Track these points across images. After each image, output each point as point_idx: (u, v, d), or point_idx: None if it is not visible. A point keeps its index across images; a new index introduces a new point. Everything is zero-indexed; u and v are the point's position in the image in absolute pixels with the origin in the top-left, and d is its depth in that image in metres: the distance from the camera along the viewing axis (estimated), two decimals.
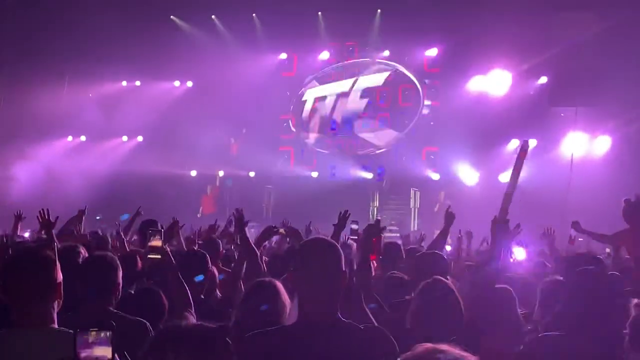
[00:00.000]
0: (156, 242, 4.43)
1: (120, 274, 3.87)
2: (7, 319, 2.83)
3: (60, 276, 2.94)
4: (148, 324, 3.65)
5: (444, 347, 1.71)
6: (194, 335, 2.25)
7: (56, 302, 2.91)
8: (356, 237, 5.67)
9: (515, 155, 4.07)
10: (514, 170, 3.98)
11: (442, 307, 3.67)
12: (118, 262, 3.95)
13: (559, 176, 16.96)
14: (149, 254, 4.39)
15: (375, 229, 4.22)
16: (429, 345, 1.72)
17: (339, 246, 3.06)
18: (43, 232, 5.95)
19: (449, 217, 6.53)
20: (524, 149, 4.19)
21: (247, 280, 4.60)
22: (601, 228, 8.31)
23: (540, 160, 17.10)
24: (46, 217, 5.91)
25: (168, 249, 4.33)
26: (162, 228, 4.97)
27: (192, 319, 4.03)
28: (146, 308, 3.98)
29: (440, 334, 2.82)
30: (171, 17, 21.13)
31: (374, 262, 4.80)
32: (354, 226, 6.08)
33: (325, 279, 2.90)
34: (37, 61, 19.38)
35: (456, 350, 1.69)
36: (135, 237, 7.64)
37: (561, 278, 4.54)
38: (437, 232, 6.83)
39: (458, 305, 3.71)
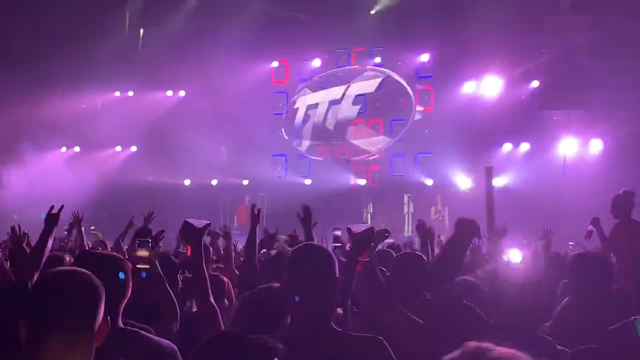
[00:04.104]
0: (143, 252, 4.45)
1: None
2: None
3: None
4: None
5: (492, 346, 1.67)
6: (244, 348, 2.14)
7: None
8: (340, 244, 5.64)
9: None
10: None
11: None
12: None
13: (552, 179, 16.99)
14: (137, 264, 4.39)
15: (380, 235, 4.07)
16: (475, 344, 1.68)
17: (331, 252, 3.00)
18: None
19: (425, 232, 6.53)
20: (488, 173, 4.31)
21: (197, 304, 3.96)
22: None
23: (533, 164, 17.18)
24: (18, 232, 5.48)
25: (155, 259, 4.31)
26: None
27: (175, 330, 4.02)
28: None
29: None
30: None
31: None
32: (337, 232, 6.06)
33: (316, 286, 2.86)
34: (30, 72, 19.34)
35: (507, 350, 1.66)
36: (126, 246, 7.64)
37: None
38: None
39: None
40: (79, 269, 2.41)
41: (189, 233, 3.65)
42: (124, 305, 3.09)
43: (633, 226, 7.84)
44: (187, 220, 3.64)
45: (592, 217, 8.14)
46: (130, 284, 3.09)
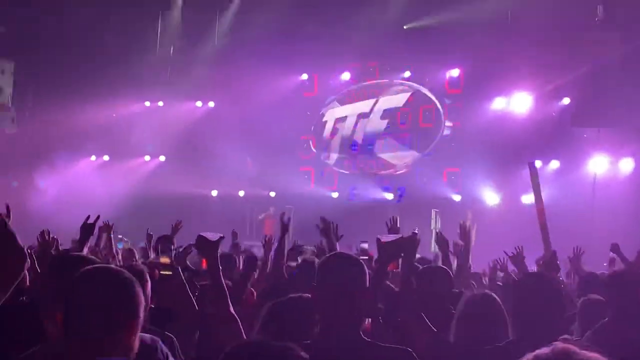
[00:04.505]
0: (165, 259, 4.53)
1: None
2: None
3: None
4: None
5: (577, 349, 1.72)
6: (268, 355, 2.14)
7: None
8: (366, 257, 5.62)
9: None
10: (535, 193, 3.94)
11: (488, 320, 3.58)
12: None
13: (582, 198, 16.80)
14: (161, 270, 4.46)
15: (412, 242, 4.00)
16: (563, 345, 1.74)
17: (362, 262, 2.98)
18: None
19: (443, 243, 6.47)
20: (532, 170, 4.21)
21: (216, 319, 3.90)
22: (624, 251, 8.22)
23: (562, 182, 17.00)
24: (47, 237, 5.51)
25: (177, 266, 4.38)
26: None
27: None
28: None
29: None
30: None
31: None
32: (364, 245, 6.06)
33: (344, 296, 2.83)
34: (63, 81, 19.62)
35: (594, 354, 1.71)
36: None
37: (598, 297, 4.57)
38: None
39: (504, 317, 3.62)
40: (113, 266, 2.43)
41: (203, 247, 3.68)
42: None
43: None
44: (201, 234, 3.67)
45: (610, 244, 8.02)
46: None
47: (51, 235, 5.55)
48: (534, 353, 1.75)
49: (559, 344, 1.73)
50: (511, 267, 7.73)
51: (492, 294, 3.89)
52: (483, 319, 3.58)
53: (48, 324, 2.90)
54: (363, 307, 2.89)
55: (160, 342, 3.21)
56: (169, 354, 3.06)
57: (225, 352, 2.22)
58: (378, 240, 3.66)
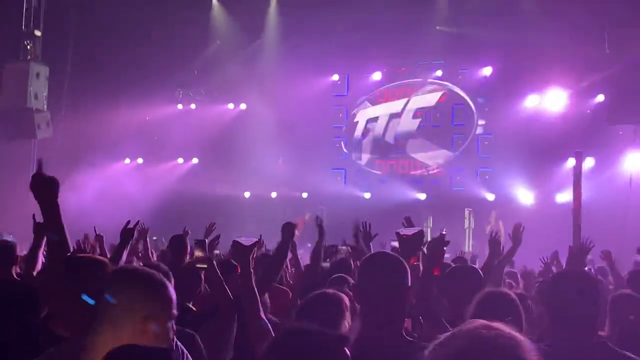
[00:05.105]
0: (199, 253, 4.65)
1: None
2: None
3: None
4: None
5: (497, 324, 1.71)
6: (314, 341, 2.18)
7: None
8: None
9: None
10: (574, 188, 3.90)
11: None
12: None
13: (617, 195, 16.56)
14: (197, 264, 4.59)
15: (440, 242, 3.99)
16: (481, 321, 1.72)
17: (404, 261, 2.96)
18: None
19: (495, 244, 6.28)
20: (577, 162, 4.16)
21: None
22: None
23: (598, 179, 16.76)
24: (82, 246, 5.62)
25: (212, 259, 4.47)
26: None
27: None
28: None
29: None
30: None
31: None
32: (395, 244, 6.03)
33: (387, 295, 2.81)
34: (96, 85, 19.85)
35: (508, 329, 1.70)
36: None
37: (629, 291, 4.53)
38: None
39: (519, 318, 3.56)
40: (142, 267, 2.53)
41: (239, 252, 3.69)
42: None
43: None
44: (236, 240, 3.67)
45: (637, 248, 7.93)
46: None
47: (97, 233, 5.70)
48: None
49: (476, 321, 1.73)
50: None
51: (509, 291, 3.83)
52: (495, 316, 3.51)
53: (56, 325, 2.93)
54: (405, 306, 2.88)
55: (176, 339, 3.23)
56: (185, 350, 3.08)
57: (275, 336, 2.24)
58: (398, 234, 3.67)
